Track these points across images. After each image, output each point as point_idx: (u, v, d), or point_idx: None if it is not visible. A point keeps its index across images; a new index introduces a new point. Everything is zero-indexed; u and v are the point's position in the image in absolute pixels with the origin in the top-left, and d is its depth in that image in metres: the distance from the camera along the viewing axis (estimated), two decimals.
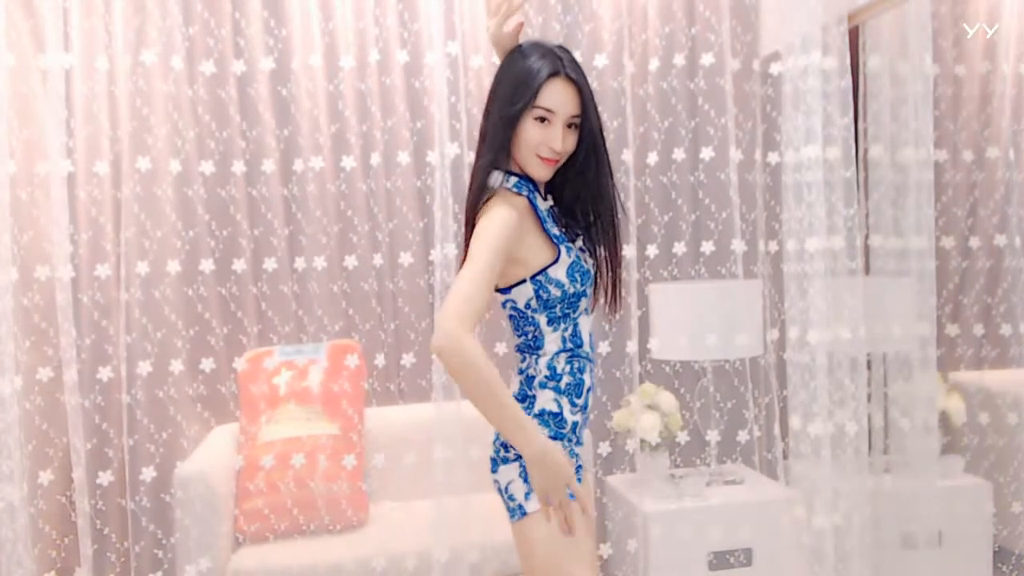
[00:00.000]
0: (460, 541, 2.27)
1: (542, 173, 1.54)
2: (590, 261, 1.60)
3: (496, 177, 1.54)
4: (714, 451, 2.61)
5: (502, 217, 1.46)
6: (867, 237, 2.50)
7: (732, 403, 2.73)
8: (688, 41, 2.77)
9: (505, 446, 1.53)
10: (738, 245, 2.60)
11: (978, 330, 2.70)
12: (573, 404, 1.56)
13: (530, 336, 1.57)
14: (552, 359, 1.56)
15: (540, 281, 1.52)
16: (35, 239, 2.34)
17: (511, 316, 1.59)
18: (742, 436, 2.64)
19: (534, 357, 1.56)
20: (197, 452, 2.43)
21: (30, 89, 2.36)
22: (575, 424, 1.56)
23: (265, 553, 2.30)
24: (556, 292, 1.52)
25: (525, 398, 1.56)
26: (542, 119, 1.50)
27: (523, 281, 1.53)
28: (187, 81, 2.55)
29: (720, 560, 2.38)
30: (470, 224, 1.54)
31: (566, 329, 1.56)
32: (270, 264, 2.61)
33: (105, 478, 2.31)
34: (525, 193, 1.55)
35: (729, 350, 2.43)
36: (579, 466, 1.60)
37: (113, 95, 2.47)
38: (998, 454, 2.57)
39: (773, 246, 2.67)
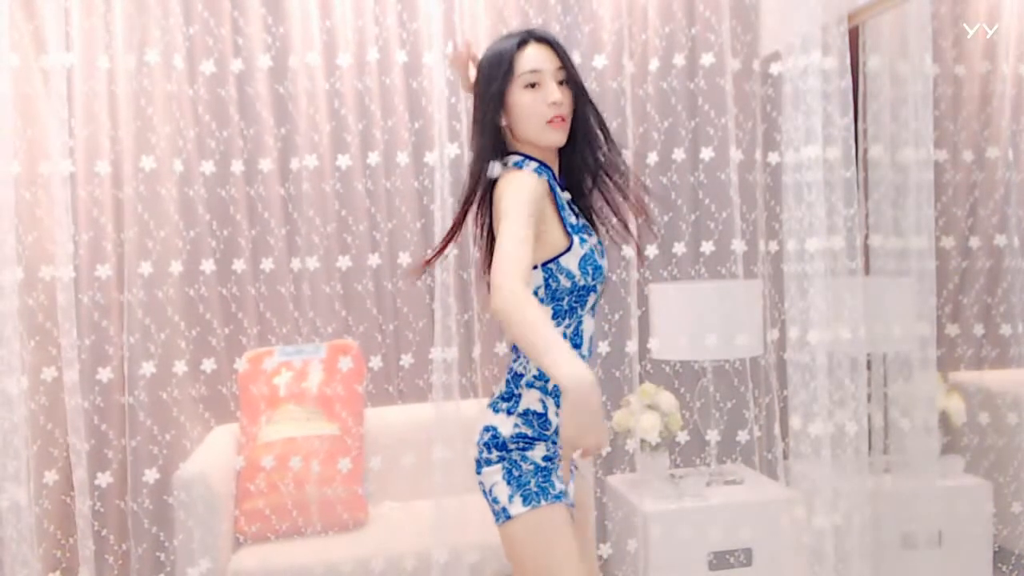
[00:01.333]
0: (459, 541, 2.27)
1: (556, 137, 1.51)
2: (604, 260, 1.56)
3: (495, 168, 1.51)
4: (714, 451, 2.61)
5: (529, 183, 1.44)
6: (867, 237, 2.49)
7: (732, 403, 2.73)
8: (688, 41, 2.78)
9: (488, 446, 1.51)
10: (738, 245, 2.60)
11: (978, 330, 2.69)
12: (560, 407, 1.43)
13: None
14: None
15: (551, 269, 1.48)
16: (39, 239, 2.35)
17: None
18: (742, 436, 2.64)
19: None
20: (197, 453, 2.44)
21: (33, 89, 2.37)
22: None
23: (265, 553, 2.31)
24: (566, 283, 1.49)
25: (511, 396, 1.53)
26: (532, 84, 1.49)
27: (534, 268, 1.49)
28: (188, 80, 2.56)
29: (720, 560, 2.38)
30: (466, 210, 1.53)
31: (568, 326, 1.52)
32: (269, 264, 2.62)
33: (104, 479, 2.32)
34: (546, 177, 1.52)
35: (729, 350, 2.43)
36: (573, 471, 1.57)
37: (114, 95, 2.48)
38: (998, 454, 2.57)
39: (773, 246, 2.67)
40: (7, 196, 2.03)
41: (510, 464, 1.50)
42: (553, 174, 1.55)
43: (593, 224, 1.63)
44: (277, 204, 2.67)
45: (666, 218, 2.81)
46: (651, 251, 2.75)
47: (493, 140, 1.51)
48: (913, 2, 2.34)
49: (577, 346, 1.53)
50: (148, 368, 2.39)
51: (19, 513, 1.99)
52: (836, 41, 2.29)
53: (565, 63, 1.51)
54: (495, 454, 1.51)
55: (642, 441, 2.49)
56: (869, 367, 2.38)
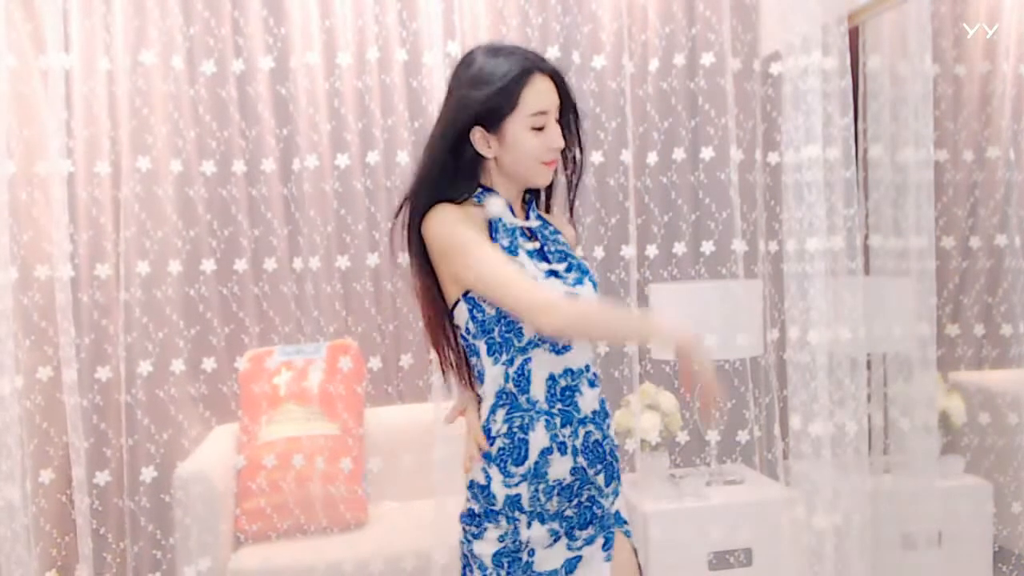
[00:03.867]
0: (459, 541, 2.26)
1: (547, 178, 1.41)
2: (555, 285, 1.35)
3: (496, 205, 1.39)
4: (714, 451, 2.61)
5: (453, 212, 1.34)
6: (867, 237, 2.49)
7: (732, 403, 2.72)
8: (688, 41, 2.77)
9: (461, 517, 1.37)
10: (738, 245, 2.60)
11: (978, 330, 2.70)
12: (508, 474, 1.31)
13: (476, 371, 1.38)
14: (490, 415, 1.34)
15: (474, 299, 1.32)
16: (35, 239, 2.34)
17: (465, 350, 1.40)
18: (742, 436, 2.63)
19: (480, 400, 1.38)
20: (197, 452, 2.44)
21: (30, 90, 2.36)
22: (513, 499, 1.31)
23: (265, 553, 2.30)
24: (491, 311, 1.32)
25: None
26: (539, 127, 1.36)
27: (459, 301, 1.35)
28: (187, 81, 2.55)
29: (720, 560, 2.37)
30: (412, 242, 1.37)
31: (509, 362, 1.32)
32: (270, 264, 2.62)
33: (102, 478, 2.32)
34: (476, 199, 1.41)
35: (729, 350, 2.43)
36: (577, 557, 1.35)
37: (114, 95, 2.47)
38: (998, 454, 2.57)
39: (773, 246, 2.67)
40: (2, 196, 2.02)
41: (464, 559, 1.35)
42: (509, 205, 1.41)
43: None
44: (277, 204, 2.66)
45: (666, 218, 2.81)
46: (651, 251, 2.75)
47: (464, 163, 1.36)
48: (913, 2, 2.34)
49: (523, 391, 1.33)
50: (146, 367, 2.38)
51: (13, 513, 1.98)
52: (836, 41, 2.29)
53: (563, 99, 1.39)
54: (459, 535, 1.38)
55: (642, 441, 2.49)
56: (869, 367, 2.38)
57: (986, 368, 2.69)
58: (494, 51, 1.38)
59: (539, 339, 1.33)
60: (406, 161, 2.66)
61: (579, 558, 1.36)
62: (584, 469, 1.34)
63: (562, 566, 1.34)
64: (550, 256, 1.40)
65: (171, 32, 2.50)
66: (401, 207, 1.39)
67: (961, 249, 2.68)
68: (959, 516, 2.44)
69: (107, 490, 2.43)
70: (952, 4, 2.63)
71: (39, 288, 2.29)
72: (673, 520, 2.36)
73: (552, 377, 1.33)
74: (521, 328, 1.31)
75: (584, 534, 1.36)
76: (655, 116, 2.77)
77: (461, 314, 1.35)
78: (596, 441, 1.36)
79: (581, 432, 1.34)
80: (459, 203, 1.37)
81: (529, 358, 1.33)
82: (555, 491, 1.32)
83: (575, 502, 1.35)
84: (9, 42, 2.07)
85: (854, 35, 2.48)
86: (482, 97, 1.34)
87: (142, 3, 2.47)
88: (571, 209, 1.50)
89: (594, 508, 1.37)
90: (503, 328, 1.32)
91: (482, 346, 1.34)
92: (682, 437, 2.61)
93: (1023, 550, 2.52)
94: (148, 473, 2.35)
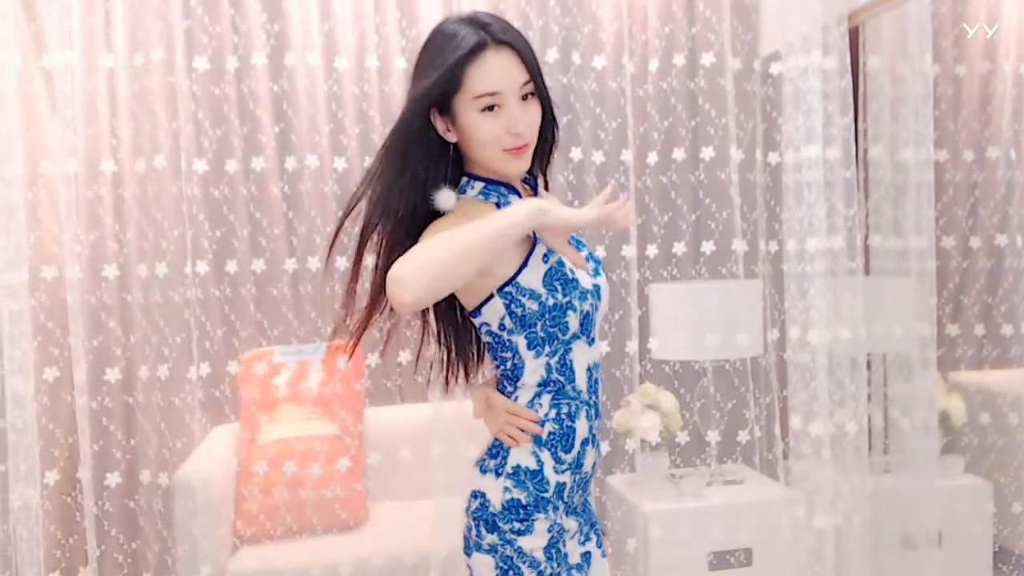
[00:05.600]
0: (459, 540, 2.27)
1: (517, 167, 1.27)
2: (586, 277, 1.29)
3: (447, 198, 1.25)
4: (714, 451, 2.61)
5: (446, 227, 1.20)
6: (867, 237, 2.49)
7: (732, 403, 2.73)
8: (688, 41, 2.78)
9: (477, 521, 1.26)
10: (739, 245, 2.60)
11: (979, 330, 2.69)
12: (559, 460, 1.26)
13: (509, 365, 1.30)
14: (534, 399, 1.28)
15: (510, 293, 1.23)
16: (40, 239, 2.35)
17: (489, 344, 1.32)
18: (742, 436, 2.64)
19: (513, 391, 1.30)
20: (197, 454, 2.44)
21: (33, 89, 2.38)
22: (561, 487, 1.26)
23: (265, 554, 2.31)
24: (532, 305, 1.23)
25: (498, 451, 1.28)
26: (490, 107, 1.22)
27: (491, 296, 1.25)
28: (187, 79, 2.56)
29: (720, 560, 2.38)
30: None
31: (552, 354, 1.27)
32: (271, 264, 2.63)
33: (112, 479, 2.33)
34: (494, 200, 1.29)
35: (729, 350, 2.43)
36: (588, 552, 1.34)
37: (114, 94, 2.48)
38: (998, 454, 2.57)
39: (773, 246, 2.67)
40: (16, 197, 2.04)
41: (504, 563, 1.22)
42: (511, 188, 1.31)
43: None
44: (276, 204, 2.67)
45: (666, 218, 2.81)
46: (651, 251, 2.75)
47: (434, 151, 1.25)
48: (913, 2, 2.34)
49: (569, 381, 1.28)
50: (152, 367, 2.40)
51: (30, 513, 2.00)
52: (836, 41, 2.29)
53: (532, 73, 1.23)
54: (486, 538, 1.24)
55: (642, 441, 2.49)
56: (869, 367, 2.38)
57: (986, 368, 2.68)
58: (459, 20, 1.25)
59: (581, 331, 1.28)
60: None
61: (589, 553, 1.35)
62: (596, 464, 1.34)
63: (582, 559, 1.32)
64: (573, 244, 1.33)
65: (171, 31, 2.52)
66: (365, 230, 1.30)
67: (961, 249, 2.68)
68: (959, 516, 2.44)
69: (116, 491, 2.44)
70: (952, 4, 2.63)
71: (45, 289, 2.31)
72: (673, 520, 2.36)
73: (589, 368, 1.30)
74: (567, 322, 1.25)
75: (585, 529, 1.36)
76: (655, 116, 2.78)
77: (493, 311, 1.26)
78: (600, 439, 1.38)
79: (600, 427, 1.35)
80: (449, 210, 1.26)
81: (571, 348, 1.28)
82: (581, 484, 1.31)
83: (584, 497, 1.35)
84: (14, 42, 2.09)
85: (854, 35, 2.48)
86: (428, 70, 1.23)
87: (143, 2, 2.48)
88: (546, 183, 1.40)
89: (587, 505, 1.38)
90: (547, 322, 1.25)
91: (521, 341, 1.26)
92: (682, 437, 2.61)
93: (1023, 550, 2.52)
94: (151, 476, 2.37)
